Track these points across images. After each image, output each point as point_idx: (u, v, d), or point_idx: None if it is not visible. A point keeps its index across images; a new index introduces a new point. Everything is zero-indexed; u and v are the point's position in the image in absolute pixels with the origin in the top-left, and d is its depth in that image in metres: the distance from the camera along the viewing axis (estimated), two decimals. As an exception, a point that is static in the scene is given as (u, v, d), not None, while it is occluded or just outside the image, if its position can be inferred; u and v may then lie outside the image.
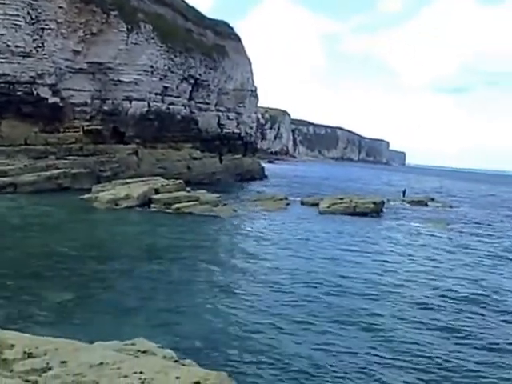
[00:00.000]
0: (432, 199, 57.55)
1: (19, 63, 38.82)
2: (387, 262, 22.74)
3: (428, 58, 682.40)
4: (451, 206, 54.22)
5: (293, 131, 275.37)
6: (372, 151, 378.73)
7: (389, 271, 20.81)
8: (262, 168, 78.53)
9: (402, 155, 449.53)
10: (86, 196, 33.74)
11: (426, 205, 52.58)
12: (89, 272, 17.04)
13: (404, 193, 59.64)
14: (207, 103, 60.79)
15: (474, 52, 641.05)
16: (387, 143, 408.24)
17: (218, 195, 37.34)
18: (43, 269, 16.93)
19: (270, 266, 20.15)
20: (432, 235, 32.53)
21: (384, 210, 43.09)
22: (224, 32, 67.80)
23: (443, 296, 17.35)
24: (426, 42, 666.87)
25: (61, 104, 41.92)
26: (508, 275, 21.82)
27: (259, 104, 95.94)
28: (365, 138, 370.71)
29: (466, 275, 20.76)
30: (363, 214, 39.76)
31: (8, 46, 37.91)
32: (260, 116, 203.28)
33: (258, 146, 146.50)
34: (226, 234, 27.51)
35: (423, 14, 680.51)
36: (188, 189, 37.67)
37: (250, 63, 74.25)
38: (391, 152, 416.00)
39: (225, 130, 65.31)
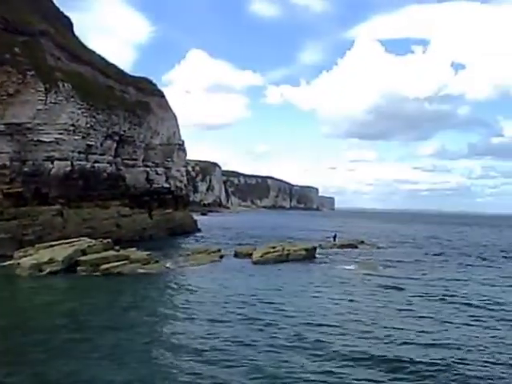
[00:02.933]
0: (361, 242, 58.90)
1: None
2: (314, 310, 22.72)
3: (349, 106, 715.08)
4: (379, 247, 55.74)
5: (224, 183, 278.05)
6: (303, 198, 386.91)
7: (318, 319, 20.87)
8: (195, 221, 77.96)
9: (331, 200, 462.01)
10: (7, 263, 31.87)
11: (356, 247, 53.78)
12: (5, 348, 15.79)
13: (335, 237, 60.74)
14: (134, 159, 59.99)
15: (391, 98, 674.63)
16: (316, 190, 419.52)
17: (148, 252, 36.17)
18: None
19: (203, 325, 19.52)
20: (363, 277, 33.03)
21: (316, 255, 43.58)
22: (147, 88, 67.75)
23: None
24: (346, 91, 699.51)
25: (-23, 168, 39.99)
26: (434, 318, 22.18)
27: (189, 157, 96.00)
28: (295, 185, 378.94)
29: (389, 321, 20.84)
30: (296, 261, 40.13)
31: None
32: (190, 169, 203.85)
33: (191, 199, 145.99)
34: (156, 293, 26.47)
35: (341, 65, 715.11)
36: (117, 247, 36.39)
37: (175, 118, 74.43)
38: (321, 198, 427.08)
39: (154, 185, 64.45)
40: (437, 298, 26.20)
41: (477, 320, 21.27)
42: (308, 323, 19.84)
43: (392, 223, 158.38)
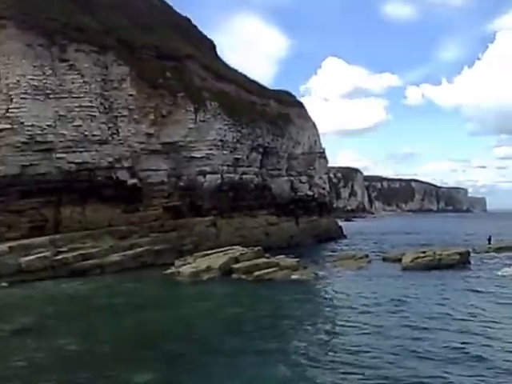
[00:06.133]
0: (523, 244, 54.36)
1: (97, 150, 40.81)
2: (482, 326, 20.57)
3: (497, 100, 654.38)
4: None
5: (367, 188, 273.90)
6: (451, 200, 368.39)
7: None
8: (340, 227, 77.88)
9: (483, 201, 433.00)
10: (169, 271, 34.63)
11: (517, 251, 49.70)
12: (171, 351, 16.88)
13: (490, 240, 56.92)
14: (278, 169, 61.77)
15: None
16: (465, 190, 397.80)
17: (297, 259, 37.02)
18: (127, 349, 17.37)
19: (361, 335, 19.35)
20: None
21: (471, 260, 41.20)
22: (286, 100, 69.35)
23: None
24: (491, 85, 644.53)
25: (139, 185, 43.81)
26: None
27: (330, 164, 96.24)
28: (441, 187, 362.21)
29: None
30: (449, 267, 38.15)
31: (85, 135, 39.96)
32: (332, 176, 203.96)
33: (334, 205, 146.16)
34: (309, 300, 26.86)
35: (483, 59, 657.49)
36: (267, 255, 37.64)
37: (315, 127, 75.13)
38: (471, 199, 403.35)
39: (298, 194, 65.67)
40: None
41: None
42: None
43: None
